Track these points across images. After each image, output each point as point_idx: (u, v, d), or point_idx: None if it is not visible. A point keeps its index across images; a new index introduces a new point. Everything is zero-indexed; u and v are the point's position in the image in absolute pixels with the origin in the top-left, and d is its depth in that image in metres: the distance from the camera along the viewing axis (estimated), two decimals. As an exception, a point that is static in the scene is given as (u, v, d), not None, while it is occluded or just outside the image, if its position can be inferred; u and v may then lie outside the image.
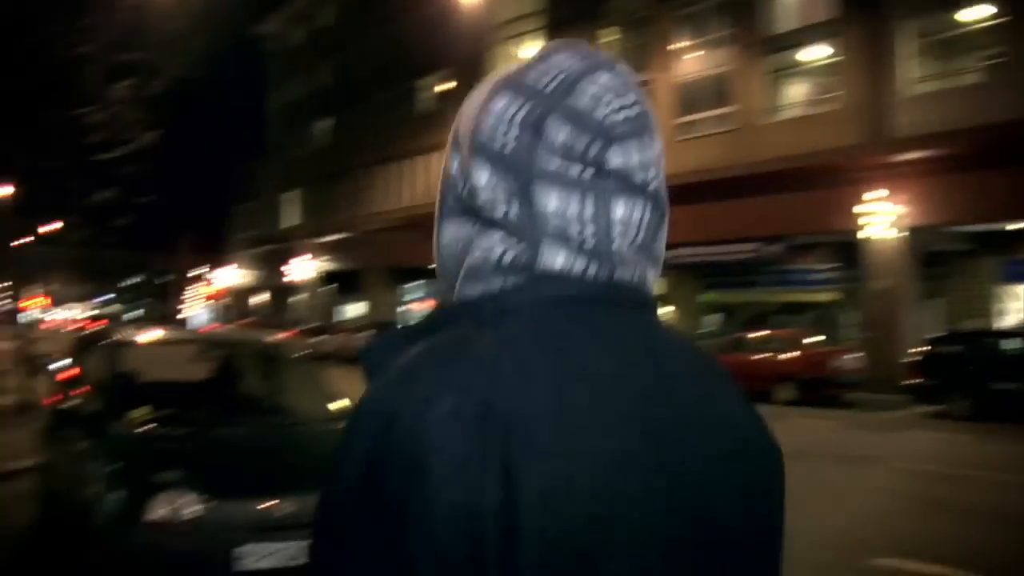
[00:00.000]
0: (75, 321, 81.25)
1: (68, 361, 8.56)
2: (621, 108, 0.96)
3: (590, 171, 0.95)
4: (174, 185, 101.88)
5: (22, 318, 21.71)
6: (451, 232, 1.05)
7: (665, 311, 31.66)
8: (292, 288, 56.58)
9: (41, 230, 22.67)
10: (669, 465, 0.86)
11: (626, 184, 0.96)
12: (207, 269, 77.36)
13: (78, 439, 6.60)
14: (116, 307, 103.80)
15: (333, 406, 7.20)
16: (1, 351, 24.64)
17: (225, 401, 7.57)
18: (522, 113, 0.95)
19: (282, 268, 54.38)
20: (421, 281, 46.49)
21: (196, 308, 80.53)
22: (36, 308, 54.31)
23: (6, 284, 70.79)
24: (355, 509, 0.82)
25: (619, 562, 0.81)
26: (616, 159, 0.96)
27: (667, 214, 1.05)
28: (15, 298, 20.16)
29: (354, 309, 51.10)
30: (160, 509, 5.35)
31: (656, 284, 1.03)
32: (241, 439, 6.43)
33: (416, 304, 47.59)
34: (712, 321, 30.76)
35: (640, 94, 0.99)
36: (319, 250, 51.31)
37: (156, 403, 6.73)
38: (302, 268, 51.83)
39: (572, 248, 0.94)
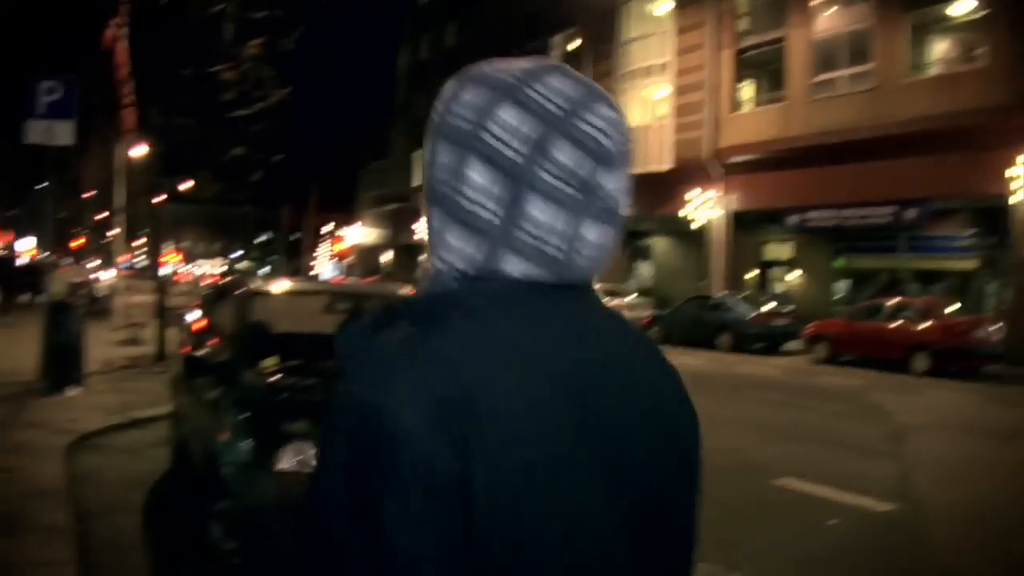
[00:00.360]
0: (207, 276, 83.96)
1: (200, 312, 8.71)
2: (618, 141, 1.08)
3: (580, 194, 1.05)
4: (304, 143, 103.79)
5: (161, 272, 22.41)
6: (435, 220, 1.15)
7: (794, 276, 30.97)
8: (418, 247, 57.20)
9: (175, 188, 23.26)
10: (595, 427, 1.03)
11: (606, 209, 1.08)
12: (335, 227, 78.75)
13: (209, 388, 6.66)
14: (246, 263, 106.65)
15: None
16: (140, 304, 25.42)
17: None
18: (531, 131, 1.05)
19: (408, 227, 54.95)
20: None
21: (324, 265, 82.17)
22: (171, 264, 56.12)
23: (142, 241, 73.59)
24: (341, 485, 0.93)
25: (555, 510, 0.97)
26: (608, 185, 1.07)
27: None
28: (154, 254, 20.72)
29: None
30: (288, 459, 5.36)
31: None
32: None
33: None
34: (843, 287, 29.86)
35: (629, 129, 1.11)
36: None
37: (285, 354, 6.75)
38: (423, 228, 52.13)
39: (539, 258, 1.06)
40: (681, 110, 32.69)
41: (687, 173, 31.50)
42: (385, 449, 0.92)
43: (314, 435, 5.46)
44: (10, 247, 63.12)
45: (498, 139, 1.05)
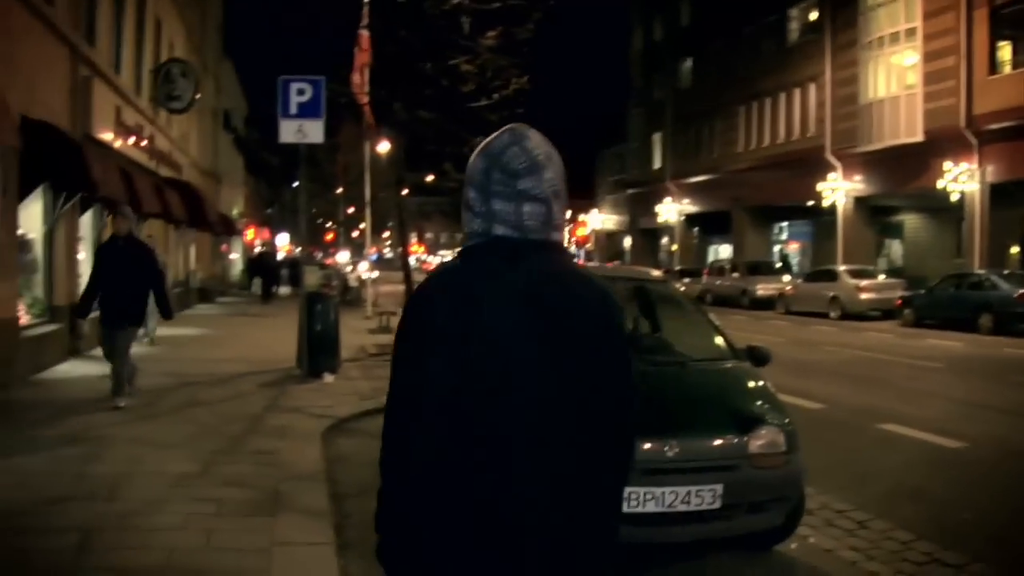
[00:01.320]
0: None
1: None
2: (523, 162, 2.06)
3: (511, 191, 2.05)
4: (543, 130, 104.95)
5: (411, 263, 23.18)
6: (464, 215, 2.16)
7: None
8: (658, 231, 56.75)
9: (419, 181, 23.89)
10: (471, 319, 2.00)
11: (529, 195, 2.06)
12: (573, 213, 79.21)
13: None
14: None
15: (713, 348, 6.88)
16: (389, 293, 26.31)
17: None
18: (482, 167, 2.10)
19: (647, 211, 54.56)
20: (793, 221, 45.05)
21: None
22: (416, 254, 58.04)
23: (388, 233, 76.07)
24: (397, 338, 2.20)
25: (438, 354, 2.03)
26: (523, 185, 2.06)
27: (555, 204, 2.10)
28: (401, 245, 21.35)
29: (722, 251, 50.51)
30: None
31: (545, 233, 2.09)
32: None
33: (792, 243, 46.15)
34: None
35: (534, 153, 2.08)
36: (684, 192, 50.96)
37: None
38: (667, 210, 51.69)
39: (507, 226, 2.06)
40: (931, 77, 30.75)
41: (939, 144, 29.58)
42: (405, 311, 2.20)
43: None
44: (270, 243, 67.01)
45: (472, 177, 2.13)
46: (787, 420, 5.79)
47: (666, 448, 5.32)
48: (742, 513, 5.47)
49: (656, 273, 8.85)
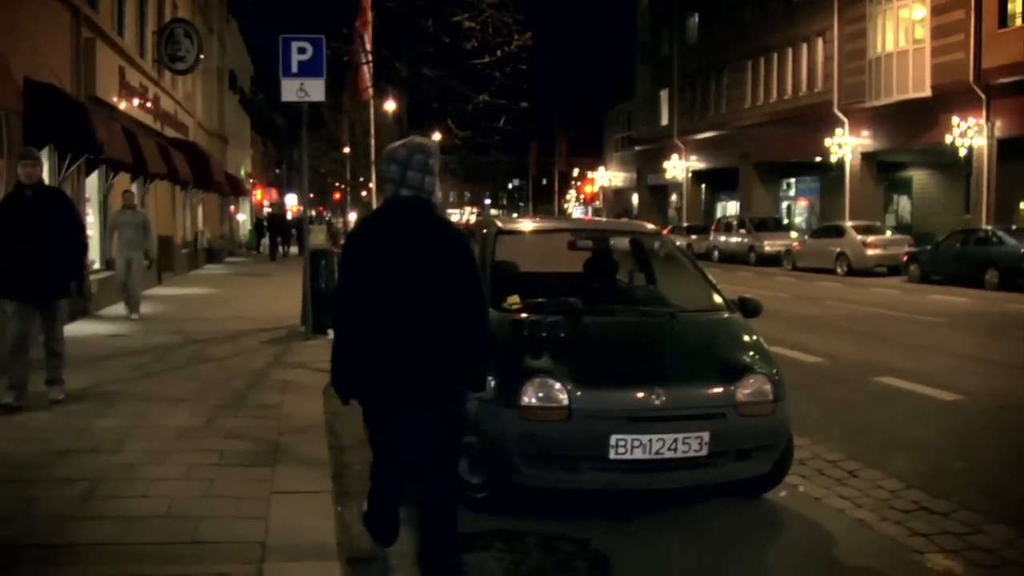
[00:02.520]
0: (459, 224, 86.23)
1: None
2: (430, 151, 4.24)
3: (421, 167, 4.19)
4: (549, 87, 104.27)
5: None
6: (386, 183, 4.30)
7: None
8: (665, 188, 56.65)
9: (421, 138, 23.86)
10: (406, 255, 4.11)
11: (429, 171, 4.21)
12: (580, 171, 79.05)
13: None
14: (495, 212, 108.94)
15: (704, 300, 6.98)
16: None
17: (597, 291, 7.56)
18: (406, 152, 4.22)
19: (655, 168, 54.43)
20: (800, 177, 44.88)
21: (572, 209, 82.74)
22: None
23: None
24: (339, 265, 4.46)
25: (369, 270, 4.17)
26: (428, 165, 4.22)
27: (437, 179, 4.26)
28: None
29: (729, 207, 50.43)
30: (531, 395, 5.42)
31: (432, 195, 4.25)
32: (613, 328, 6.41)
33: (801, 200, 46.02)
34: None
35: (433, 148, 4.28)
36: (691, 149, 50.82)
37: (530, 292, 6.83)
38: (675, 167, 51.57)
39: (412, 189, 4.18)
40: (939, 31, 30.49)
41: (948, 99, 29.39)
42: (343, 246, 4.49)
43: (557, 372, 5.49)
44: (279, 204, 67.04)
45: (396, 158, 4.21)
46: (775, 370, 5.89)
47: (653, 396, 5.43)
48: (729, 461, 5.57)
49: (650, 227, 8.91)
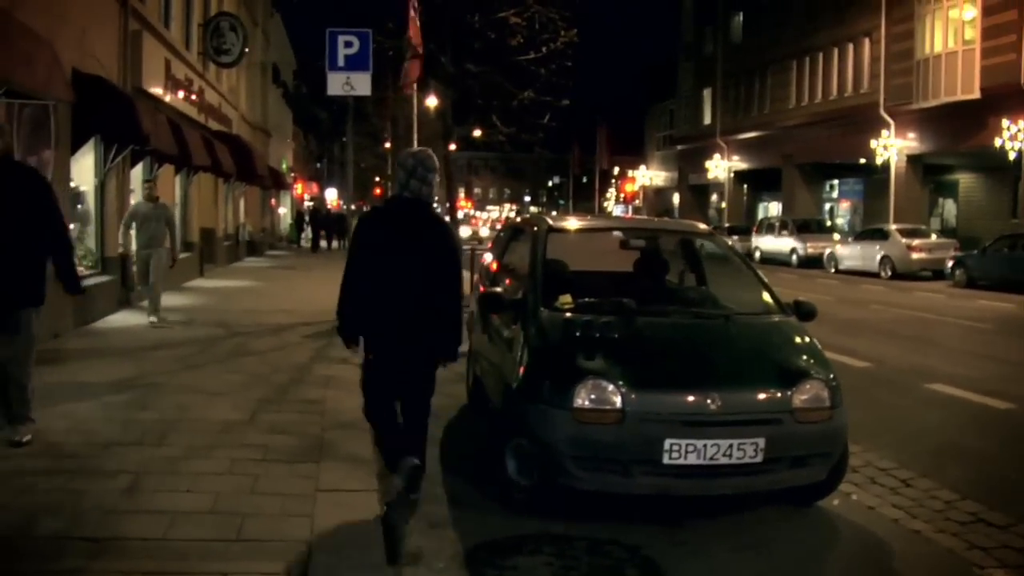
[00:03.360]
0: (499, 221, 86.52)
1: (495, 252, 8.83)
2: (431, 165, 5.68)
3: (419, 179, 5.63)
4: (592, 85, 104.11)
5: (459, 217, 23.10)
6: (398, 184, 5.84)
7: None
8: (707, 188, 56.28)
9: (467, 135, 23.79)
10: (405, 253, 5.54)
11: (428, 182, 5.67)
12: (621, 169, 78.76)
13: (505, 325, 6.74)
14: (535, 209, 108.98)
15: (758, 302, 6.82)
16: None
17: (650, 291, 7.42)
18: (413, 162, 5.66)
19: (697, 167, 54.09)
20: (844, 179, 44.39)
21: (613, 207, 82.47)
22: (463, 209, 58.21)
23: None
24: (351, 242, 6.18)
25: (377, 254, 5.61)
26: (428, 176, 5.67)
27: (434, 188, 5.77)
28: (449, 200, 21.36)
29: (771, 208, 50.02)
30: (583, 396, 5.30)
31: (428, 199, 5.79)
32: (666, 330, 6.24)
33: (843, 202, 45.54)
34: None
35: (433, 162, 5.71)
36: (734, 148, 50.44)
37: (581, 291, 6.72)
38: (717, 167, 51.22)
39: (412, 193, 5.65)
40: (989, 32, 29.96)
41: (997, 101, 28.83)
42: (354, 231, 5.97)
43: (610, 373, 5.37)
44: (319, 198, 67.28)
45: (404, 166, 5.69)
46: (832, 375, 5.74)
47: (708, 401, 5.30)
48: (784, 467, 5.43)
49: (702, 227, 8.72)
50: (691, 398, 5.33)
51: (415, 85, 17.88)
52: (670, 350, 5.93)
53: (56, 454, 6.22)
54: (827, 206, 46.14)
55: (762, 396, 5.50)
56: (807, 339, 6.19)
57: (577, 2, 17.92)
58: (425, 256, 5.52)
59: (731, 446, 5.21)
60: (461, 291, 5.78)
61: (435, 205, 6.08)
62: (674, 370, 5.63)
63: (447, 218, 21.91)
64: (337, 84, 13.08)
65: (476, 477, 6.34)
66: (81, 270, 13.24)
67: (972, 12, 30.96)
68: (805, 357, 5.91)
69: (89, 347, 10.96)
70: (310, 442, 6.73)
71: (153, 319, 12.99)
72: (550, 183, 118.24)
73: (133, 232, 13.31)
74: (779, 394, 5.47)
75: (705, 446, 5.19)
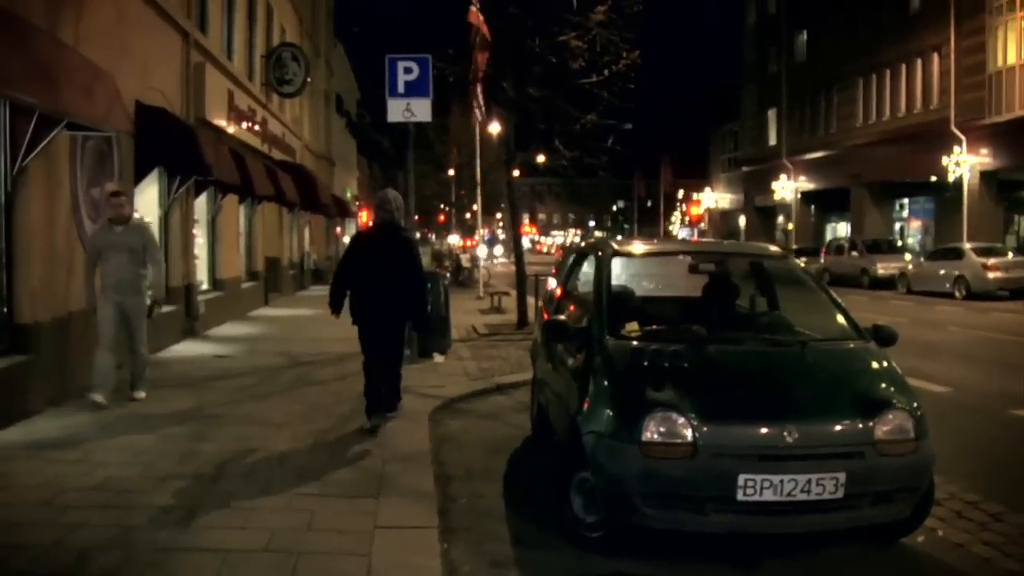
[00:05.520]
0: (564, 246, 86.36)
1: (560, 279, 8.61)
2: (385, 203, 8.62)
3: (388, 211, 8.56)
4: (656, 108, 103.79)
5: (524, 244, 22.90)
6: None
7: None
8: (773, 209, 55.55)
9: (530, 161, 23.60)
10: (381, 259, 8.32)
11: (386, 211, 8.58)
12: (685, 192, 78.21)
13: (570, 354, 6.48)
14: (599, 234, 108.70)
15: (834, 327, 6.47)
16: (501, 273, 26.13)
17: (721, 317, 7.06)
18: (377, 203, 8.87)
19: (762, 189, 53.43)
20: (914, 197, 43.47)
21: (676, 231, 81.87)
22: (528, 235, 58.27)
23: (501, 215, 76.55)
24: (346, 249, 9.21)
25: (360, 262, 8.46)
26: (386, 209, 8.60)
27: (401, 213, 8.82)
28: (513, 226, 21.22)
29: (839, 229, 49.18)
30: (653, 429, 5.02)
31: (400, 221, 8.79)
32: (739, 358, 5.90)
33: (914, 221, 44.61)
34: None
35: (383, 200, 8.68)
36: (800, 169, 49.73)
37: (649, 318, 6.45)
38: (783, 188, 50.52)
39: (384, 219, 8.62)
40: (1066, 42, 29.16)
41: (1077, 113, 28.04)
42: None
43: (681, 405, 5.10)
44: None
45: (380, 200, 8.76)
46: (915, 404, 5.41)
47: (785, 433, 4.99)
48: (867, 503, 5.11)
49: (774, 249, 8.40)
50: (766, 430, 5.03)
51: (481, 108, 17.79)
52: (744, 379, 5.59)
53: (113, 488, 6.13)
54: (897, 226, 45.19)
55: (842, 428, 5.18)
56: (888, 366, 5.86)
57: (639, 25, 17.64)
58: (392, 260, 8.27)
59: (809, 481, 4.91)
60: (423, 283, 8.85)
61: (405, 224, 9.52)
62: (748, 401, 5.31)
63: (512, 244, 21.91)
64: (397, 111, 12.98)
65: (541, 513, 6.07)
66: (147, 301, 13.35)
67: (1046, 24, 30.19)
68: (886, 385, 5.58)
69: (152, 377, 10.88)
70: (370, 476, 6.56)
71: (140, 394, 9.46)
72: (614, 207, 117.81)
73: (98, 273, 9.29)
74: (860, 425, 5.16)
75: (782, 481, 4.90)
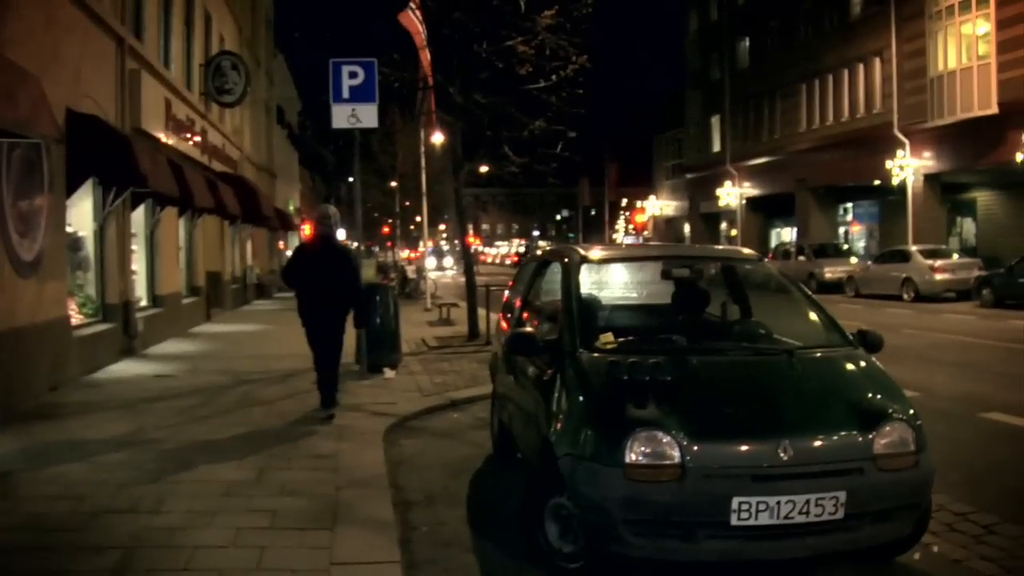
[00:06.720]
0: (510, 255, 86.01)
1: (517, 288, 8.18)
2: (322, 218, 9.85)
3: (327, 225, 9.78)
4: (600, 115, 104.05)
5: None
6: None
7: None
8: (718, 215, 55.67)
9: (475, 171, 23.19)
10: (321, 267, 9.43)
11: (325, 225, 9.78)
12: (630, 200, 78.25)
13: (538, 368, 6.01)
14: (543, 243, 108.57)
15: (817, 334, 6.09)
16: (448, 284, 25.68)
17: (695, 325, 6.57)
18: (315, 218, 10.16)
19: (707, 195, 53.51)
20: (858, 201, 43.73)
21: (623, 238, 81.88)
22: (472, 246, 57.88)
23: (445, 226, 75.91)
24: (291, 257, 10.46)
25: (310, 270, 9.58)
26: (325, 224, 9.79)
27: (331, 225, 9.85)
28: (461, 236, 20.81)
29: (784, 234, 49.36)
30: (638, 451, 4.58)
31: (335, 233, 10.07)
32: (724, 370, 5.47)
33: (856, 225, 44.88)
34: None
35: (320, 215, 9.93)
36: (744, 175, 49.86)
37: (619, 328, 6.02)
38: (728, 194, 50.62)
39: (323, 232, 9.80)
40: (1005, 45, 29.33)
41: (1016, 116, 28.14)
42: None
43: (666, 423, 4.67)
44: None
45: (319, 214, 10.10)
46: (913, 412, 5.05)
47: (780, 450, 4.59)
48: (867, 523, 4.71)
49: (747, 252, 7.97)
50: (760, 448, 4.62)
51: (431, 113, 17.41)
52: (731, 393, 5.18)
53: (41, 527, 5.57)
54: (842, 230, 45.43)
55: (840, 442, 4.79)
56: (880, 373, 5.49)
57: (587, 29, 17.31)
58: (337, 268, 9.43)
59: (808, 502, 4.51)
60: (359, 285, 10.19)
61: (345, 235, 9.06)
62: (738, 416, 4.89)
63: (462, 254, 21.40)
64: (342, 116, 12.51)
65: (510, 541, 5.56)
66: (80, 318, 12.73)
67: (985, 27, 30.42)
68: (882, 394, 5.19)
69: (87, 400, 10.32)
70: (323, 504, 6.06)
71: None
72: (558, 216, 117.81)
73: None
74: (859, 439, 4.77)
75: (779, 503, 4.50)
